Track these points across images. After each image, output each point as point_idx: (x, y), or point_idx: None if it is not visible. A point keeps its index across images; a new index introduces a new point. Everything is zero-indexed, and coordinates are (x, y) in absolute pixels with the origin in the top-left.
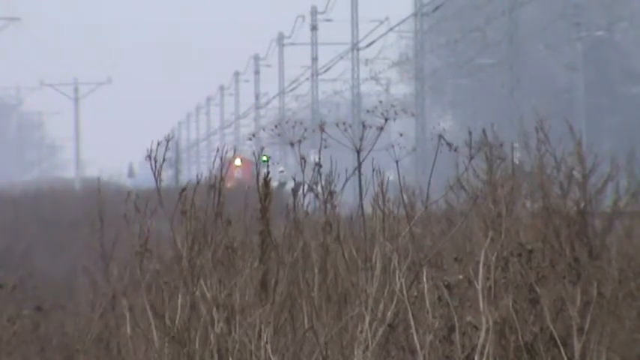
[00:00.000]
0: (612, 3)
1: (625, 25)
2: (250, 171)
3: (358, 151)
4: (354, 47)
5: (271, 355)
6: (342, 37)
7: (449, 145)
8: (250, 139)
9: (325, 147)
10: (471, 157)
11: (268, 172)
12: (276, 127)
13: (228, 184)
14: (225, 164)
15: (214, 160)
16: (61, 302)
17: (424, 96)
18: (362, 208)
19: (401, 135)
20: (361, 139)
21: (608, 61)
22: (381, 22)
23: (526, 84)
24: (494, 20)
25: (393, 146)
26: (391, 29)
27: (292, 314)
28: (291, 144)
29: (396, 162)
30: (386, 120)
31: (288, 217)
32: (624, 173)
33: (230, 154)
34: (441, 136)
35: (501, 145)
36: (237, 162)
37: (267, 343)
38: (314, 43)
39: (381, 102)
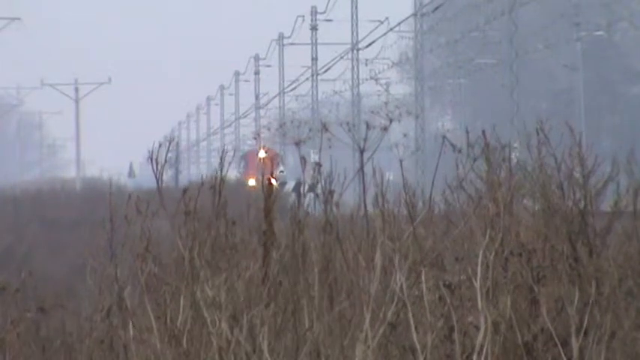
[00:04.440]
0: (612, 3)
1: (624, 25)
2: (275, 163)
3: (362, 152)
4: (354, 47)
5: (268, 356)
6: (342, 37)
7: (453, 146)
8: (255, 138)
9: (330, 147)
10: (475, 159)
11: (273, 172)
12: (281, 126)
13: (251, 181)
14: (248, 158)
15: (233, 155)
16: (62, 302)
17: (424, 96)
18: (365, 207)
19: (405, 135)
20: (365, 140)
21: (607, 61)
22: (381, 22)
23: (526, 84)
24: (494, 20)
25: (397, 145)
26: (391, 29)
27: (293, 314)
28: (296, 144)
29: (400, 161)
30: (391, 121)
31: (292, 217)
32: (624, 173)
33: (254, 145)
34: (445, 137)
35: (504, 147)
36: (262, 154)
37: (263, 341)
38: (314, 43)
39: (386, 104)
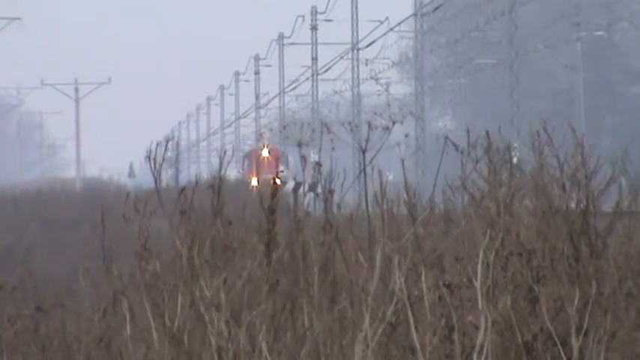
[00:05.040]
0: (612, 3)
1: (624, 25)
2: (278, 163)
3: (364, 152)
4: (354, 47)
5: (268, 356)
6: (342, 37)
7: (455, 146)
8: (258, 140)
9: (333, 149)
10: (477, 161)
11: (277, 172)
12: (284, 128)
13: (254, 181)
14: (252, 157)
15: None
16: (62, 302)
17: (424, 96)
18: (367, 207)
19: (406, 136)
20: (367, 140)
21: (607, 61)
22: (381, 22)
23: (526, 84)
24: (494, 20)
25: (398, 145)
26: (391, 29)
27: (292, 314)
28: (299, 145)
29: (402, 161)
30: (393, 123)
31: (290, 216)
32: (622, 174)
33: (258, 144)
34: (447, 138)
35: (506, 148)
36: (265, 152)
37: (263, 341)
38: (314, 43)
39: (389, 105)
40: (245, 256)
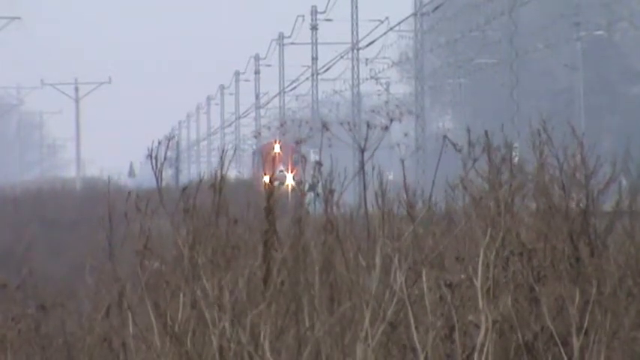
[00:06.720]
0: (612, 3)
1: (624, 24)
2: (291, 158)
3: (362, 151)
4: (354, 47)
5: (269, 356)
6: (342, 37)
7: (453, 145)
8: (256, 137)
9: (330, 146)
10: (475, 160)
11: (274, 171)
12: (282, 125)
13: (266, 179)
14: (261, 154)
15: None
16: (62, 301)
17: (424, 96)
18: (366, 207)
19: (405, 135)
20: (365, 139)
21: (607, 60)
22: (381, 22)
23: (526, 84)
24: (494, 20)
25: (398, 145)
26: (391, 29)
27: (294, 313)
28: (297, 143)
29: (402, 161)
30: (391, 120)
31: (293, 216)
32: (622, 174)
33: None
34: (445, 137)
35: (506, 147)
36: (277, 148)
37: (265, 340)
38: (314, 43)
39: (387, 102)
40: (247, 256)
